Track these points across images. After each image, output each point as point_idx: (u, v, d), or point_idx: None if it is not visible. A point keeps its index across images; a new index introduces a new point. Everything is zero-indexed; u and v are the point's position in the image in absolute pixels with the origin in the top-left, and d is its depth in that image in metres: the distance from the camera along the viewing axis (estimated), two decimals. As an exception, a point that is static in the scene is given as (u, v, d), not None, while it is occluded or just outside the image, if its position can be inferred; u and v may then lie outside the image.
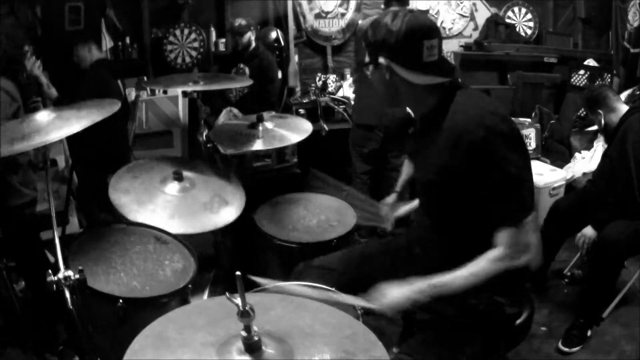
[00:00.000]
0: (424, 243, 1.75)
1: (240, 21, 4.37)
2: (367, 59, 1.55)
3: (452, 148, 1.45)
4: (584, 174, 3.96)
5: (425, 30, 1.47)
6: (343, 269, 1.82)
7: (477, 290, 1.46)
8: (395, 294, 1.46)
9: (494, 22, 5.26)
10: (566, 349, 2.64)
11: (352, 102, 4.33)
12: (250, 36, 4.39)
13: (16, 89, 2.75)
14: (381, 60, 1.49)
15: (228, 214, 2.13)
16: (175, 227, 2.01)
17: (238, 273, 0.95)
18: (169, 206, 2.07)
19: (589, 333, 2.70)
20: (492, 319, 1.57)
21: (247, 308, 0.96)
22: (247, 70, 4.39)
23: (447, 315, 1.55)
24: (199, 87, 2.61)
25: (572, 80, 4.97)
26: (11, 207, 2.65)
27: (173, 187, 2.14)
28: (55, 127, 1.66)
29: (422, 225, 1.80)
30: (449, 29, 5.36)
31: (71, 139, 2.53)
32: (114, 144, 3.99)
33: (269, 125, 2.49)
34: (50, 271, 1.53)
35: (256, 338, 0.97)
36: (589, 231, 2.75)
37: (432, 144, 1.54)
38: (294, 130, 2.47)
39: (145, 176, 2.18)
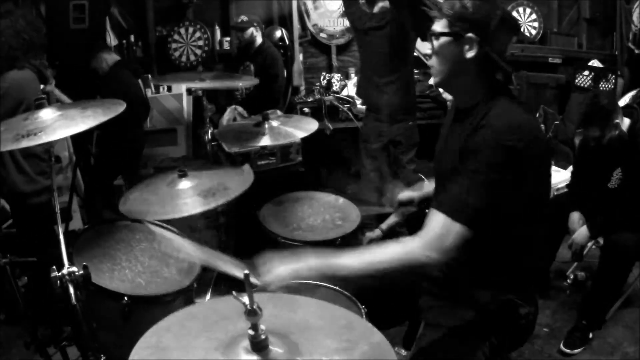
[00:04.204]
0: None
1: (242, 17, 4.38)
2: (440, 29, 1.46)
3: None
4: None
5: (516, 26, 1.51)
6: None
7: (492, 289, 1.43)
8: (282, 271, 1.34)
9: (498, 22, 5.24)
10: (568, 351, 2.64)
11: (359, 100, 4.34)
12: (252, 32, 4.37)
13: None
14: (469, 35, 1.41)
15: (223, 197, 2.00)
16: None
17: (246, 272, 0.95)
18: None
19: (591, 335, 2.69)
20: (506, 318, 1.53)
21: (254, 307, 0.96)
22: (252, 67, 4.38)
23: (458, 316, 1.52)
24: (205, 85, 2.58)
25: (577, 81, 4.95)
26: (26, 194, 2.65)
27: (183, 184, 2.12)
28: (60, 125, 1.65)
29: None
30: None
31: (78, 137, 2.49)
32: (135, 142, 3.96)
33: (274, 123, 2.48)
34: (54, 267, 1.54)
35: (263, 336, 0.97)
36: (579, 238, 2.73)
37: (462, 135, 1.48)
38: (300, 128, 2.46)
39: (152, 186, 2.15)
